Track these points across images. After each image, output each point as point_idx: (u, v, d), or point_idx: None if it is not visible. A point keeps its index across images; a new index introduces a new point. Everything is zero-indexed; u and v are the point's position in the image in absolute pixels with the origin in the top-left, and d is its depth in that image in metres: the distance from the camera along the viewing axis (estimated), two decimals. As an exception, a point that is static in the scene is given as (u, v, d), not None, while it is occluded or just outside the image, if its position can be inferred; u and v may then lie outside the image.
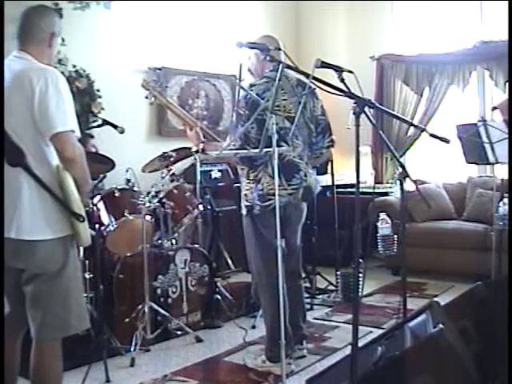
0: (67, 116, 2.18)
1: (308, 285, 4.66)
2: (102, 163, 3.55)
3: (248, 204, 3.13)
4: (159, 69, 5.28)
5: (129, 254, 3.75)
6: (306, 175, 3.16)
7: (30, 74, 2.16)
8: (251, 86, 3.10)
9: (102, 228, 3.63)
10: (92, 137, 4.24)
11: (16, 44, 2.32)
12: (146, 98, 3.38)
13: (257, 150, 2.69)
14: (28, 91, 2.13)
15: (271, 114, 2.58)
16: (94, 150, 4.17)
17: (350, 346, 1.98)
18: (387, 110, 2.98)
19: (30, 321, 2.24)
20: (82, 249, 3.39)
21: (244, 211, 3.17)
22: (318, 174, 4.43)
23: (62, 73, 4.49)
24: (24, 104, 2.14)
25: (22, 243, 2.17)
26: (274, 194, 2.97)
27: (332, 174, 4.88)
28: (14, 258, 2.19)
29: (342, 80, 2.19)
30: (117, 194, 3.73)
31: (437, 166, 6.04)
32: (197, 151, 3.25)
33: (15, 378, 2.39)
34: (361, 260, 3.20)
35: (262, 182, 3.07)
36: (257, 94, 3.01)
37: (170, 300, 3.76)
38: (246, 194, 3.15)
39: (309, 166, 3.23)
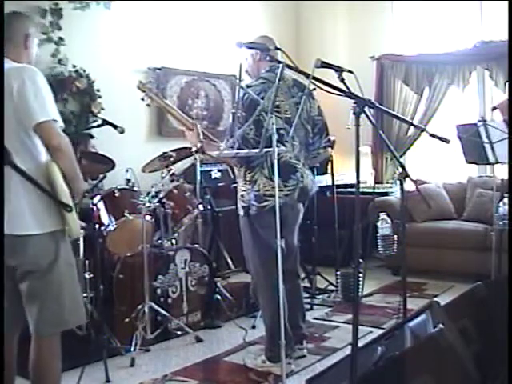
0: (47, 106, 2.21)
1: (308, 285, 4.66)
2: (101, 163, 3.55)
3: (244, 205, 3.13)
4: (159, 69, 5.28)
5: (129, 254, 3.75)
6: (302, 176, 3.16)
7: (7, 74, 2.20)
8: (247, 87, 3.09)
9: (102, 228, 3.63)
10: (92, 137, 4.24)
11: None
12: (142, 99, 3.38)
13: (257, 150, 2.69)
14: (7, 90, 2.17)
15: (271, 114, 2.58)
16: (93, 150, 4.18)
17: (350, 346, 1.98)
18: (387, 110, 2.98)
19: (28, 318, 2.27)
20: (82, 249, 3.40)
21: (241, 212, 3.18)
22: (317, 173, 4.46)
23: (62, 73, 4.58)
24: (5, 103, 2.17)
25: (13, 239, 2.19)
26: (270, 195, 2.99)
27: (332, 174, 4.88)
28: (6, 256, 2.22)
29: (342, 80, 2.19)
30: (117, 194, 3.74)
31: (437, 165, 6.04)
32: (196, 151, 3.26)
33: (13, 377, 2.39)
34: (361, 260, 3.20)
35: (259, 183, 3.07)
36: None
37: (170, 300, 3.76)
38: (242, 195, 3.15)
39: (305, 166, 3.23)
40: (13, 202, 2.19)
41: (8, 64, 2.28)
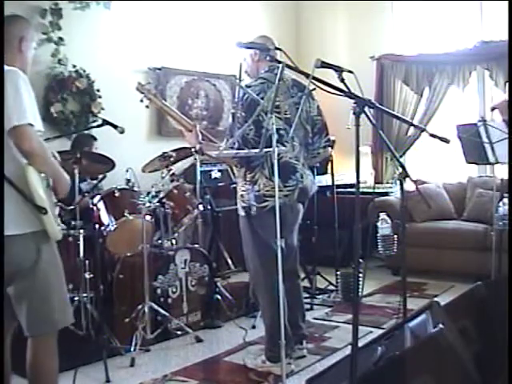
0: (24, 110, 2.19)
1: (308, 285, 4.66)
2: (102, 163, 3.55)
3: (244, 205, 3.13)
4: (159, 69, 5.28)
5: (129, 254, 3.75)
6: (302, 176, 3.16)
7: None
8: (246, 87, 3.09)
9: (102, 228, 3.63)
10: (95, 139, 4.24)
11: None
12: (141, 101, 3.38)
13: (257, 150, 2.69)
14: None
15: (271, 114, 2.58)
16: (95, 150, 4.18)
17: (350, 346, 1.98)
18: (387, 110, 2.98)
19: (20, 319, 2.27)
20: (82, 249, 3.39)
21: (241, 212, 3.17)
22: (317, 173, 4.46)
23: (62, 73, 4.58)
24: None
25: None
26: (270, 196, 2.99)
27: (332, 174, 4.88)
28: None
29: (342, 80, 2.19)
30: (117, 194, 3.73)
31: (437, 165, 6.04)
32: (196, 152, 3.26)
33: (9, 377, 2.40)
34: (361, 260, 3.20)
35: (259, 183, 3.07)
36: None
37: (170, 300, 3.76)
38: (242, 195, 3.15)
39: (305, 166, 3.23)
40: None
41: None
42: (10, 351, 2.38)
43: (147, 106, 3.45)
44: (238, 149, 2.96)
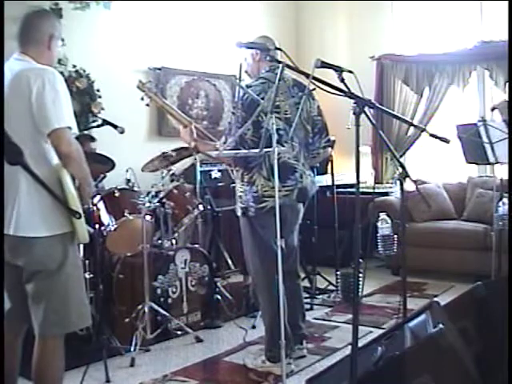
0: (63, 113, 2.20)
1: (308, 285, 4.66)
2: (101, 163, 3.55)
3: (243, 206, 3.13)
4: (159, 69, 5.28)
5: (129, 254, 3.75)
6: (301, 176, 3.15)
7: (28, 74, 2.19)
8: (247, 87, 3.09)
9: (102, 228, 3.63)
10: (94, 139, 4.24)
11: (16, 45, 2.36)
12: (142, 99, 3.39)
13: (256, 151, 2.68)
14: (25, 91, 2.16)
15: (271, 114, 2.58)
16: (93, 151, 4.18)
17: (349, 346, 1.98)
18: (387, 110, 2.98)
19: (33, 318, 2.27)
20: (82, 249, 3.39)
21: (239, 213, 3.17)
22: (317, 173, 4.46)
23: (62, 73, 4.58)
24: (22, 103, 2.17)
25: (20, 240, 2.20)
26: (268, 196, 2.99)
27: (332, 174, 4.88)
28: (12, 255, 2.22)
29: (342, 80, 2.19)
30: (117, 194, 3.73)
31: (437, 165, 6.05)
32: (192, 149, 3.26)
33: (15, 376, 2.39)
34: (361, 260, 3.20)
35: (257, 184, 3.07)
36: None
37: (170, 300, 3.76)
38: (240, 196, 3.15)
39: (305, 166, 3.22)
40: (22, 202, 2.19)
41: (27, 63, 2.26)
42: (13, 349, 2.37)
43: (148, 105, 3.45)
44: (235, 149, 2.96)
